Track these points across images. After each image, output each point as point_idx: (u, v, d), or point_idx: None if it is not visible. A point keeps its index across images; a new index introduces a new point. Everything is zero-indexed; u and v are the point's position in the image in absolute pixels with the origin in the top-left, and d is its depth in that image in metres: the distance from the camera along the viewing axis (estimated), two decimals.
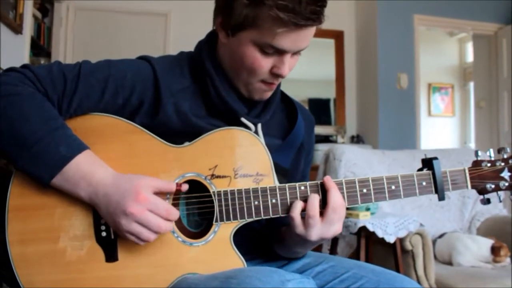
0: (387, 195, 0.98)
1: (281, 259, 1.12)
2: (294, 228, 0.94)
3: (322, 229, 0.93)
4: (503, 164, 1.02)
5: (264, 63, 0.97)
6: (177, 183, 0.92)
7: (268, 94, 1.06)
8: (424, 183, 0.99)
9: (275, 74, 0.99)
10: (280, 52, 0.96)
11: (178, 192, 0.93)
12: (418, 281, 2.19)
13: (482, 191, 1.03)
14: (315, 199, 0.93)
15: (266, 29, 0.92)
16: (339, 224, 0.95)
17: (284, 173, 1.07)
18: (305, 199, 0.95)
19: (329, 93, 5.09)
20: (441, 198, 0.99)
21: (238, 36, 0.97)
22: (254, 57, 0.96)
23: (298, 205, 0.94)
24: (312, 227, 0.92)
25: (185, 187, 0.93)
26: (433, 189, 0.99)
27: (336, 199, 0.93)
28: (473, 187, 1.02)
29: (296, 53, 0.99)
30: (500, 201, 1.04)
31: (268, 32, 0.92)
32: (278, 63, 0.97)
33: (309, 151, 1.22)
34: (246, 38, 0.95)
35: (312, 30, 0.96)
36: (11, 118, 0.86)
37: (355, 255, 2.32)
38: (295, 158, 1.15)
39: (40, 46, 4.26)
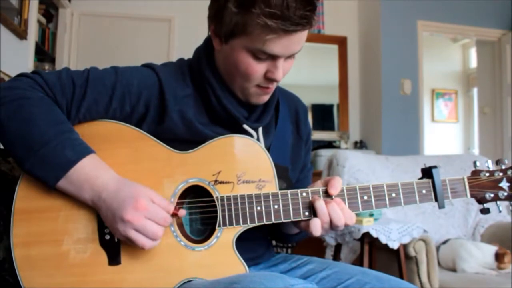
0: (387, 202, 0.99)
1: (284, 263, 1.12)
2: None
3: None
4: (501, 174, 1.04)
5: (258, 68, 0.97)
6: (175, 207, 0.92)
7: (265, 98, 1.06)
8: (424, 191, 1.01)
9: (269, 78, 0.99)
10: (273, 57, 0.96)
11: (174, 216, 0.93)
12: None
13: (481, 200, 1.05)
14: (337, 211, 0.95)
15: (256, 36, 0.92)
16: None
17: (285, 173, 1.07)
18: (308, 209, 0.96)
19: (333, 98, 5.09)
20: (441, 206, 1.01)
21: (230, 43, 0.97)
22: (247, 63, 0.97)
23: (319, 223, 0.95)
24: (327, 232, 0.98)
25: (182, 212, 0.94)
26: (433, 197, 1.01)
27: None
28: (472, 195, 1.04)
29: (289, 56, 0.99)
30: (500, 211, 1.05)
31: (258, 39, 0.92)
32: (272, 67, 0.98)
33: (307, 139, 1.23)
34: (238, 44, 0.96)
35: (304, 33, 0.95)
36: (20, 121, 0.87)
37: (358, 261, 2.31)
38: (293, 151, 1.16)
39: (45, 51, 4.29)
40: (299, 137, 1.20)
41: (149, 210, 0.87)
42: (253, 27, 0.91)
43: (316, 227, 0.94)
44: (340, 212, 0.94)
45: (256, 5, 0.89)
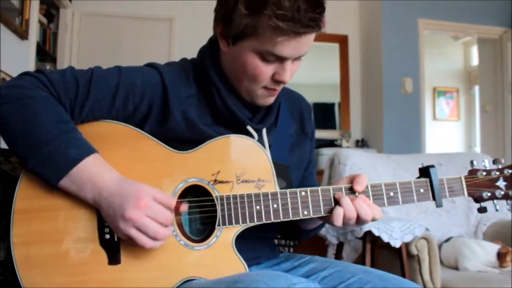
0: (385, 201, 1.01)
1: (286, 262, 1.12)
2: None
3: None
4: (498, 173, 1.06)
5: (266, 70, 0.98)
6: (177, 201, 0.93)
7: (271, 99, 1.07)
8: (421, 190, 1.02)
9: (277, 80, 1.00)
10: (281, 59, 0.97)
11: (176, 210, 0.93)
12: (424, 286, 2.17)
13: (478, 199, 1.06)
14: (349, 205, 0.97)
15: (266, 38, 0.93)
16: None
17: (285, 171, 1.08)
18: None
19: (334, 97, 5.09)
20: (439, 205, 1.03)
21: (238, 45, 0.98)
22: (255, 65, 0.97)
23: (341, 212, 0.97)
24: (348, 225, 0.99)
25: (184, 207, 0.94)
26: (431, 196, 1.02)
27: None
28: (469, 194, 1.05)
29: (296, 58, 1.00)
30: (497, 210, 1.06)
31: (268, 41, 0.93)
32: (279, 69, 0.98)
33: (312, 136, 1.24)
34: (247, 46, 0.96)
35: (313, 35, 0.96)
36: (24, 120, 0.88)
37: (360, 260, 2.31)
38: (298, 149, 1.17)
39: (46, 51, 4.29)
40: (304, 134, 1.20)
41: (151, 209, 0.87)
42: (264, 29, 0.92)
43: (339, 217, 0.96)
44: (366, 207, 0.97)
45: (267, 7, 0.90)
